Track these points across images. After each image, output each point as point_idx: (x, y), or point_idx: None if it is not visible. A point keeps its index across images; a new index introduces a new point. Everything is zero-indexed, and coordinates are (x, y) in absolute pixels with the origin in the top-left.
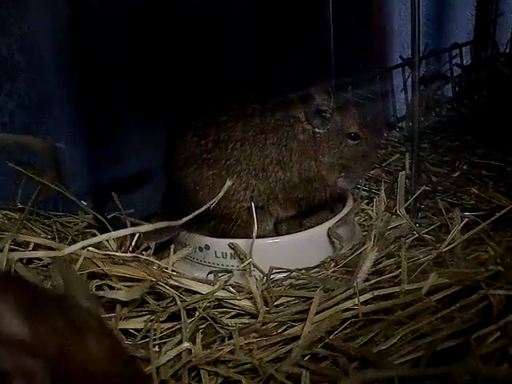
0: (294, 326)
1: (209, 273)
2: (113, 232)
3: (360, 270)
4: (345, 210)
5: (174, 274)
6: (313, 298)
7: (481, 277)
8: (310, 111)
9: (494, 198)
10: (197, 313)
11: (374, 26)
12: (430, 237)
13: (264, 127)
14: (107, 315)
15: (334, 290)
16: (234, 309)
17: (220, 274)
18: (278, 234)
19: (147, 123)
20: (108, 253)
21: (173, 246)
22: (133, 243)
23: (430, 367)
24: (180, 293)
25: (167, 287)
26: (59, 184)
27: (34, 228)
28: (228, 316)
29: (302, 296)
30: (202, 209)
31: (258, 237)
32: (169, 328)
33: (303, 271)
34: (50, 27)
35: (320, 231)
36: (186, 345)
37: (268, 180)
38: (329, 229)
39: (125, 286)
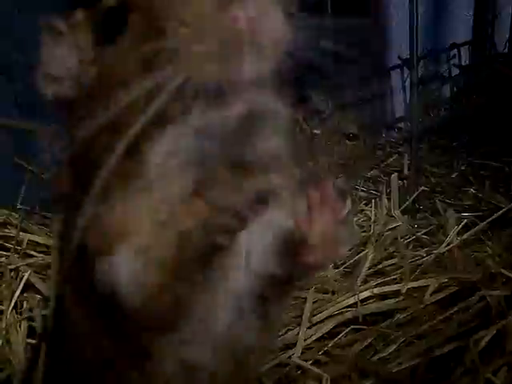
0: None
1: None
2: None
3: (360, 272)
4: (343, 211)
5: None
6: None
7: (478, 278)
8: (308, 112)
9: (492, 198)
10: None
11: (373, 26)
12: (428, 237)
13: None
14: None
15: (334, 293)
16: None
17: None
18: None
19: None
20: None
21: None
22: None
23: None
24: None
25: None
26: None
27: (35, 229)
28: None
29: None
30: None
31: None
32: None
33: None
34: None
35: None
36: None
37: None
38: None
39: None
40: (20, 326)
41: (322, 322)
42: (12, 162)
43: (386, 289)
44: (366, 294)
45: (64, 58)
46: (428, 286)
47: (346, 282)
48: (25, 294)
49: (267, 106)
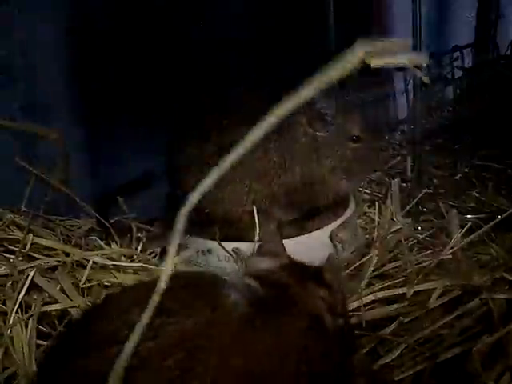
0: None
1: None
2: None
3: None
4: (347, 214)
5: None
6: None
7: (482, 282)
8: (311, 114)
9: (495, 201)
10: None
11: (376, 28)
12: (431, 240)
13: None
14: None
15: None
16: None
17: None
18: None
19: (150, 127)
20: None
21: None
22: (139, 249)
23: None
24: None
25: None
26: (65, 186)
27: (41, 231)
28: None
29: None
30: None
31: (259, 240)
32: None
33: None
34: (52, 29)
35: (322, 234)
36: None
37: (270, 184)
38: (331, 232)
39: None
40: (27, 325)
41: None
42: (15, 164)
43: (390, 293)
44: (369, 297)
45: None
46: (432, 289)
47: (350, 286)
48: (29, 295)
49: None
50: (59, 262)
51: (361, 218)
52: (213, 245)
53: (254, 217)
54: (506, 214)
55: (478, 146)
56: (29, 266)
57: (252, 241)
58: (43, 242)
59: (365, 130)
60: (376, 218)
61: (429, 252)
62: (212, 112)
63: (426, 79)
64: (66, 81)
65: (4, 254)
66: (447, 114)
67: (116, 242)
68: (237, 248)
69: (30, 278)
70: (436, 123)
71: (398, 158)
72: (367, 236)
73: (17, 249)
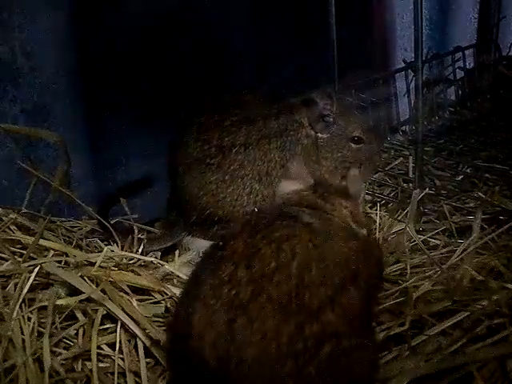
0: None
1: None
2: None
3: None
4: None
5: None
6: None
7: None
8: (313, 116)
9: (501, 202)
10: None
11: (377, 29)
12: (436, 241)
13: (267, 132)
14: None
15: None
16: None
17: None
18: None
19: (150, 128)
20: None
21: (177, 250)
22: (139, 249)
23: None
24: None
25: None
26: (66, 188)
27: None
28: None
29: None
30: None
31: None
32: None
33: None
34: (53, 32)
35: None
36: None
37: (272, 184)
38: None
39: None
40: (30, 319)
41: None
42: (17, 167)
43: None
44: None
45: None
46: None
47: None
48: (31, 296)
49: None
50: (60, 262)
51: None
52: None
53: None
54: None
55: (480, 146)
56: (35, 262)
57: None
58: (44, 243)
59: (366, 131)
60: (377, 219)
61: (431, 253)
62: (213, 114)
63: None
64: (67, 84)
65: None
66: (449, 115)
67: (117, 243)
68: None
69: (35, 272)
70: (438, 124)
71: (400, 158)
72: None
73: (17, 250)
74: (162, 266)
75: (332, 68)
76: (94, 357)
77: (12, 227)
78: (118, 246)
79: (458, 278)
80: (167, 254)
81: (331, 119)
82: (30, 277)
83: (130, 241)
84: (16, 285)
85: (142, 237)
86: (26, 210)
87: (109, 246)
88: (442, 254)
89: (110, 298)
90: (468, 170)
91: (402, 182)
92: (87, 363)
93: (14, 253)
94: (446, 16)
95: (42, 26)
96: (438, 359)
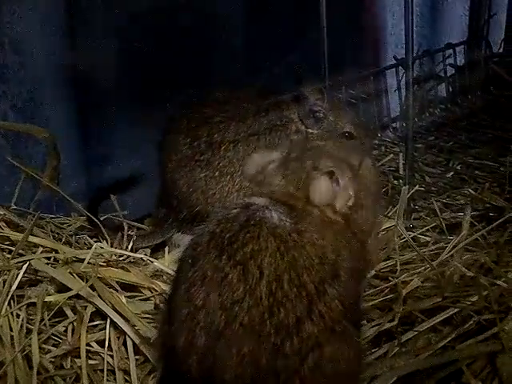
0: None
1: None
2: None
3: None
4: None
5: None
6: None
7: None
8: (303, 111)
9: (491, 199)
10: None
11: (368, 26)
12: (426, 238)
13: (257, 128)
14: None
15: None
16: None
17: None
18: None
19: (139, 125)
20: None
21: (167, 247)
22: (129, 246)
23: None
24: None
25: None
26: (55, 184)
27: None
28: None
29: None
30: None
31: None
32: None
33: None
34: (43, 27)
35: None
36: None
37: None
38: None
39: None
40: (19, 316)
41: None
42: (6, 163)
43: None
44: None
45: None
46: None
47: None
48: (20, 292)
49: None
50: (49, 258)
51: None
52: None
53: None
54: (507, 216)
55: (471, 143)
56: (24, 259)
57: None
58: (34, 239)
59: (357, 127)
60: None
61: (421, 250)
62: (202, 110)
63: None
64: (56, 80)
65: None
66: (440, 112)
67: (106, 240)
68: None
69: (24, 269)
70: (428, 121)
71: (391, 155)
72: None
73: (6, 246)
74: (152, 262)
75: (322, 64)
76: (83, 354)
77: (1, 224)
78: (107, 242)
79: (448, 274)
80: (157, 250)
81: (322, 115)
82: (18, 273)
83: (119, 237)
84: (5, 281)
85: (132, 233)
86: (15, 207)
87: (98, 243)
88: (432, 250)
89: (99, 295)
90: (458, 167)
91: (393, 178)
92: (76, 360)
93: (2, 249)
94: (437, 13)
95: (32, 22)
96: (427, 355)
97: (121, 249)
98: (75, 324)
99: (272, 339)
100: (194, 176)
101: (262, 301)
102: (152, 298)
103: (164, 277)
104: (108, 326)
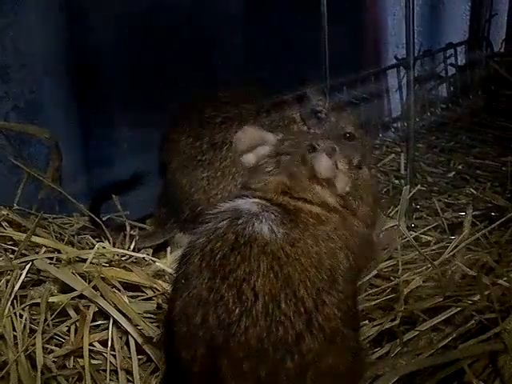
0: None
1: None
2: None
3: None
4: None
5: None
6: None
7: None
8: (305, 112)
9: (492, 198)
10: None
11: (369, 26)
12: (428, 238)
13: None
14: None
15: None
16: None
17: None
18: None
19: (141, 125)
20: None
21: (169, 247)
22: (131, 246)
23: None
24: None
25: None
26: (57, 185)
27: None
28: None
29: None
30: None
31: None
32: None
33: None
34: (45, 29)
35: None
36: None
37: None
38: None
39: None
40: (22, 316)
41: None
42: (9, 163)
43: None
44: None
45: None
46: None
47: None
48: (23, 293)
49: None
50: (51, 258)
51: None
52: None
53: None
54: (509, 216)
55: (472, 143)
56: (27, 259)
57: None
58: (37, 239)
59: (358, 128)
60: None
61: (423, 249)
62: (204, 111)
63: None
64: (58, 81)
65: None
66: (441, 112)
67: (109, 240)
68: None
69: (27, 269)
70: (430, 121)
71: (392, 155)
72: None
73: (9, 246)
74: (154, 262)
75: (323, 64)
76: (85, 354)
77: (3, 224)
78: (109, 242)
79: (449, 273)
80: (159, 250)
81: (324, 115)
82: (21, 273)
83: (121, 237)
84: (8, 281)
85: (134, 233)
86: (17, 207)
87: (100, 243)
88: (433, 250)
89: (101, 295)
90: (460, 167)
91: (394, 178)
92: (79, 360)
93: (5, 249)
94: (438, 13)
95: (33, 23)
96: (429, 355)
97: (123, 249)
98: (78, 324)
99: (271, 358)
100: (196, 176)
101: (260, 321)
102: (154, 298)
103: (166, 277)
104: (111, 326)
